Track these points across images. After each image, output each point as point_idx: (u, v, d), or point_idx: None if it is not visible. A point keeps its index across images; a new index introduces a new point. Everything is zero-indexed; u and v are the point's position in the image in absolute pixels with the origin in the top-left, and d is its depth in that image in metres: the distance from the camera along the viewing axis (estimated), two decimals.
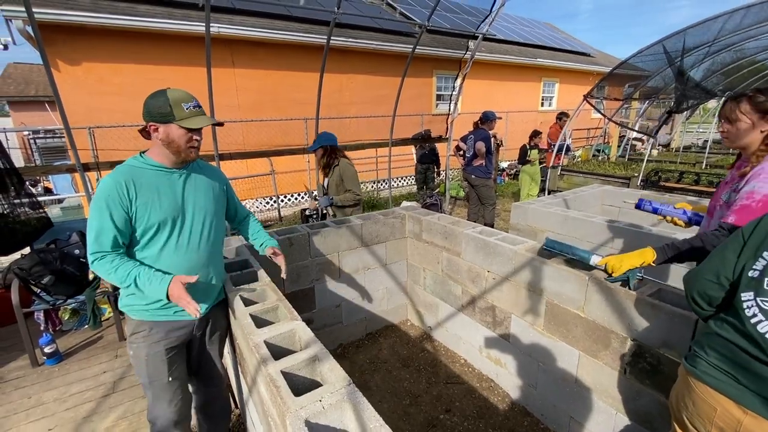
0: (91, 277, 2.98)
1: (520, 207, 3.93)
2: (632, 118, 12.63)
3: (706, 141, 11.72)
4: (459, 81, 5.87)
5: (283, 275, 1.82)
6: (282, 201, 7.79)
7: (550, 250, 1.99)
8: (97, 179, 5.47)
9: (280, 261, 1.82)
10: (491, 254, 2.27)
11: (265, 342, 1.29)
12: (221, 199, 1.68)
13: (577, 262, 1.88)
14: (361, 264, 2.83)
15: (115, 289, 3.01)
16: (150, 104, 1.43)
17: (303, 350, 1.24)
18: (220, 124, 1.63)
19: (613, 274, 1.63)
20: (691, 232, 1.85)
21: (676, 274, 2.56)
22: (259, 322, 1.46)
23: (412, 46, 5.10)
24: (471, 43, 5.89)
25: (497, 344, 2.37)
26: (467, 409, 2.28)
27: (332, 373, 1.12)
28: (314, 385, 1.16)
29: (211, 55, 3.60)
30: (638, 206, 2.22)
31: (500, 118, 5.15)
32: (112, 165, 3.84)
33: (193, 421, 1.93)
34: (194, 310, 1.34)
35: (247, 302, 1.60)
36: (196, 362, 1.73)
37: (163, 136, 1.44)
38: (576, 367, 1.91)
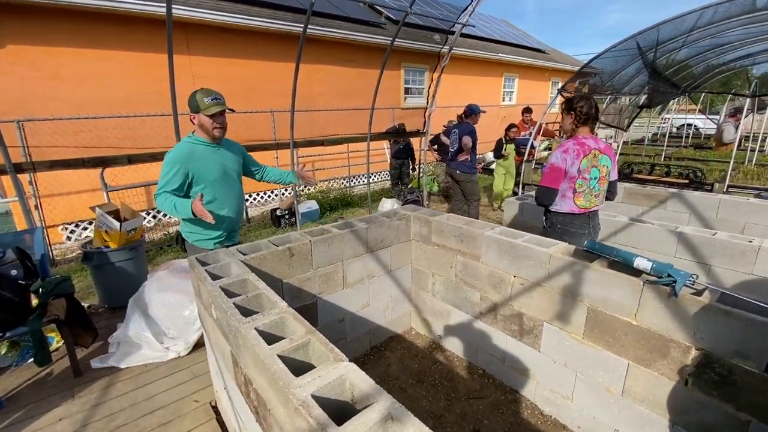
0: (34, 303, 2.45)
1: (514, 203, 3.83)
2: None
3: (656, 134, 12.55)
4: (437, 74, 5.70)
5: (307, 187, 2.85)
6: (247, 201, 7.24)
7: (591, 251, 1.85)
8: (30, 182, 4.69)
9: (309, 176, 2.60)
10: (519, 258, 2.08)
11: (313, 397, 0.99)
12: (241, 164, 2.44)
13: (619, 264, 1.75)
14: (365, 272, 2.55)
15: (68, 311, 2.50)
16: (190, 101, 2.14)
17: (368, 407, 0.96)
18: (231, 111, 2.21)
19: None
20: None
21: (737, 285, 2.55)
22: (291, 365, 1.15)
23: (381, 37, 4.85)
24: (438, 36, 5.73)
25: (524, 354, 2.20)
26: (497, 426, 2.09)
27: None
28: None
29: (172, 40, 3.12)
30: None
31: (485, 111, 5.03)
32: (51, 165, 3.24)
33: None
34: (210, 218, 1.98)
35: (266, 339, 1.28)
36: None
37: (198, 122, 2.17)
38: (624, 378, 1.77)
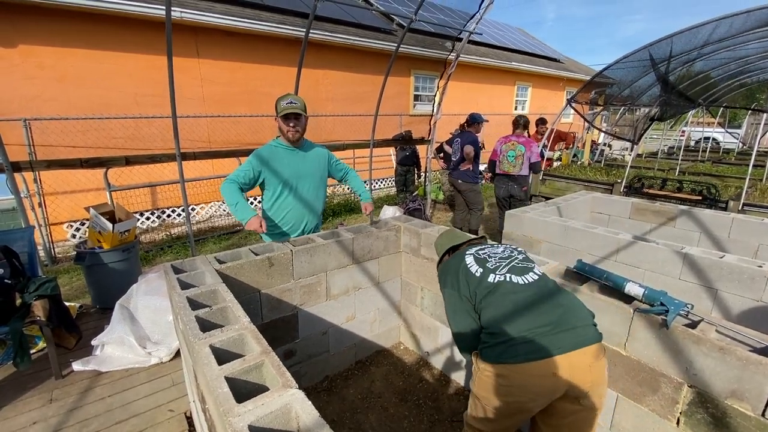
0: (18, 302, 2.44)
1: (515, 216, 3.70)
2: (597, 124, 12.91)
3: (672, 147, 12.16)
4: (443, 82, 5.62)
5: (368, 215, 2.58)
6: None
7: (581, 273, 1.75)
8: (34, 180, 4.77)
9: (369, 209, 2.54)
10: None
11: (249, 428, 0.92)
12: (323, 168, 2.55)
13: (611, 288, 1.64)
14: (351, 284, 2.47)
15: (50, 313, 2.48)
16: (275, 106, 2.29)
17: None
18: (297, 115, 2.27)
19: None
20: None
21: (744, 312, 2.40)
22: (239, 389, 1.08)
23: (390, 44, 4.81)
24: (449, 44, 5.66)
25: None
26: None
27: None
28: None
29: (172, 41, 3.11)
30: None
31: (487, 120, 4.93)
32: (48, 164, 3.26)
33: None
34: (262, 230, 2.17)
35: (222, 356, 1.22)
36: None
37: (278, 125, 2.33)
38: (612, 411, 1.65)
